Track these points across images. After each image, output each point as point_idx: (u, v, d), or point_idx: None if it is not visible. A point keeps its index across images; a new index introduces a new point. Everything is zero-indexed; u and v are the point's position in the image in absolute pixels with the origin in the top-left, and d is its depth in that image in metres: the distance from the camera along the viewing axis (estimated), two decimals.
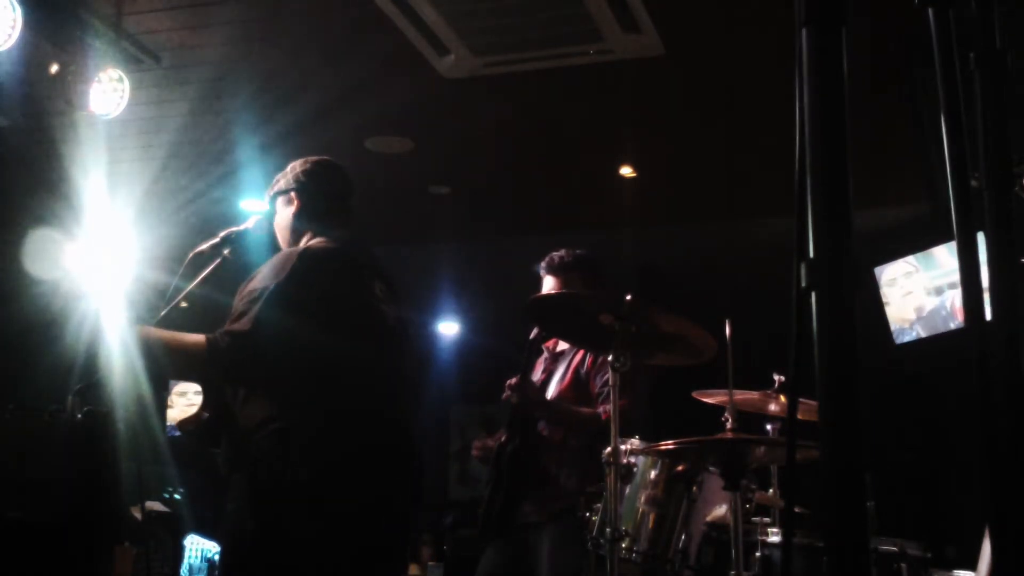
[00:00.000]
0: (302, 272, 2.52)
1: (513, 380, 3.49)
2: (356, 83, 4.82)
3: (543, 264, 3.68)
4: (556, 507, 3.41)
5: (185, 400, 7.54)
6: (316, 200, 2.80)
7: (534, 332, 3.62)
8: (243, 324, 2.44)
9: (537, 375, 3.71)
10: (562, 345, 3.72)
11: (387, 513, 2.57)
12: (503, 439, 3.59)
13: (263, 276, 2.55)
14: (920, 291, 5.61)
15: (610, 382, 2.88)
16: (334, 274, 2.61)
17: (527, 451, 3.52)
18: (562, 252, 3.67)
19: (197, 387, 2.72)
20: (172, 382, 7.36)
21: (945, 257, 5.49)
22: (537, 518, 3.46)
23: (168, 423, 7.13)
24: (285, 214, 2.83)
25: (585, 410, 3.48)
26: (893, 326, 5.71)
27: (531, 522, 3.46)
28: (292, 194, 2.81)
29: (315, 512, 2.39)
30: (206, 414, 2.60)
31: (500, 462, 3.55)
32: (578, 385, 3.56)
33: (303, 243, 2.74)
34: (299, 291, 2.50)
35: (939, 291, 5.53)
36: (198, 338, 2.49)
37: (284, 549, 2.40)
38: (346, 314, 2.58)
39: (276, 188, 2.87)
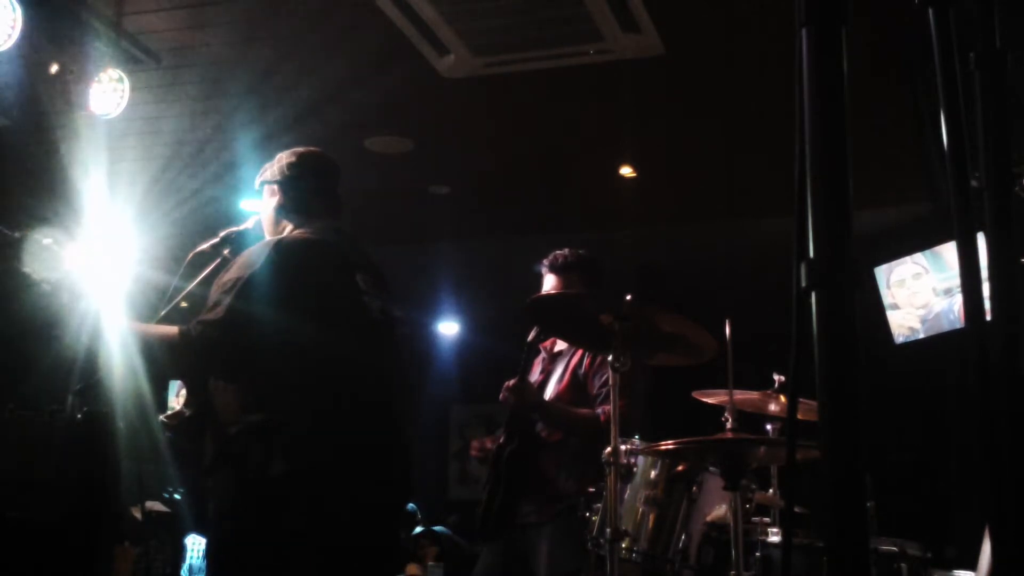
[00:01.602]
0: (276, 262, 2.52)
1: (511, 382, 3.49)
2: (356, 83, 4.82)
3: (546, 262, 3.68)
4: (555, 508, 3.41)
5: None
6: (299, 193, 2.79)
7: (532, 334, 3.62)
8: (215, 313, 2.46)
9: (535, 375, 3.71)
10: (560, 345, 3.71)
11: (374, 510, 2.55)
12: (501, 440, 3.58)
13: (238, 266, 2.55)
14: (928, 292, 5.58)
15: (609, 382, 2.88)
16: (309, 264, 2.59)
17: (526, 452, 3.51)
18: (565, 251, 3.67)
19: None
20: (174, 383, 7.34)
21: (955, 257, 5.37)
22: (536, 519, 3.45)
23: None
24: (268, 205, 2.83)
25: (583, 411, 3.48)
26: (898, 328, 5.69)
27: (530, 523, 3.46)
28: (275, 187, 2.81)
29: (296, 508, 2.37)
30: (187, 411, 2.60)
31: (499, 463, 3.55)
32: (576, 386, 3.56)
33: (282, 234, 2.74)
34: (273, 281, 2.49)
35: (948, 292, 5.48)
36: (171, 329, 2.50)
37: (266, 546, 2.38)
38: (322, 303, 2.56)
39: (263, 177, 2.87)
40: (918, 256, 5.64)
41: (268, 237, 2.80)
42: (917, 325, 5.63)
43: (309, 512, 2.38)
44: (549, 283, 3.64)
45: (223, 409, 2.49)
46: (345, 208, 2.90)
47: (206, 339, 2.44)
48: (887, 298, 5.73)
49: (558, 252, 3.68)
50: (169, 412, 2.70)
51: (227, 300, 2.46)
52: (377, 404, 2.61)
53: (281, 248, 2.57)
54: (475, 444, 3.77)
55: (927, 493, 6.56)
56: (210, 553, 2.63)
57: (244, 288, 2.47)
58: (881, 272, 5.76)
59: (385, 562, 2.69)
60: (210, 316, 2.46)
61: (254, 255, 2.56)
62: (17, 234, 2.60)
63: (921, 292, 5.61)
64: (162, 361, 2.62)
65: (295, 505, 2.38)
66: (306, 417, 2.45)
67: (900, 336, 5.68)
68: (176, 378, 2.66)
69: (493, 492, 3.53)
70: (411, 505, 6.52)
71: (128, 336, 2.51)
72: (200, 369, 2.57)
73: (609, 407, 2.95)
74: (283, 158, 2.85)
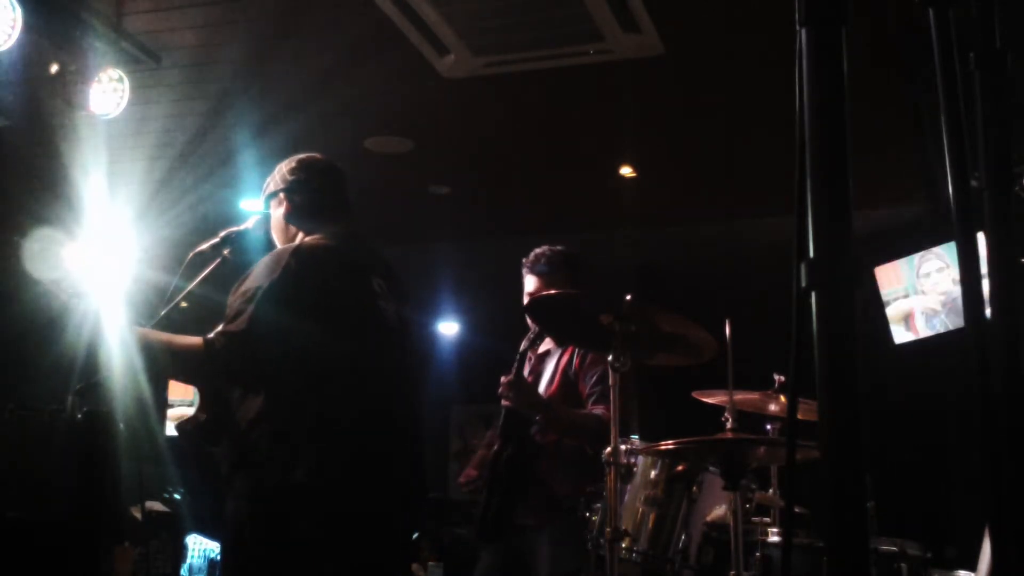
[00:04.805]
0: (295, 269, 2.52)
1: (508, 378, 3.41)
2: (356, 83, 4.82)
3: (525, 263, 3.57)
4: (553, 512, 3.38)
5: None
6: (305, 198, 2.79)
7: (526, 341, 3.55)
8: (238, 324, 2.45)
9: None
10: (546, 344, 3.65)
11: (387, 515, 2.57)
12: (496, 446, 3.55)
13: (256, 275, 2.54)
14: (948, 282, 5.91)
15: (603, 380, 2.88)
16: (328, 270, 2.60)
17: (521, 457, 3.47)
18: (544, 250, 3.55)
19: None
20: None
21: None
22: (535, 522, 3.43)
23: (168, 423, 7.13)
24: (277, 216, 2.83)
25: (584, 412, 3.44)
26: (920, 316, 5.94)
27: (528, 525, 3.44)
28: (281, 195, 2.81)
29: (311, 513, 2.39)
30: (203, 415, 2.60)
31: (495, 468, 3.52)
32: (567, 386, 3.49)
33: (296, 241, 2.74)
34: (293, 289, 2.50)
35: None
36: (195, 340, 2.50)
37: (280, 549, 2.40)
38: (341, 311, 2.57)
39: (267, 192, 2.87)
40: (939, 250, 5.97)
41: (281, 245, 2.80)
42: (938, 307, 6.03)
43: (326, 517, 2.40)
44: (530, 284, 3.54)
45: (242, 416, 2.50)
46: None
47: (230, 351, 2.45)
48: (916, 285, 6.07)
49: (537, 251, 3.56)
50: (184, 417, 2.70)
51: (249, 310, 2.46)
52: (391, 411, 2.63)
53: (300, 255, 2.57)
54: (461, 480, 3.71)
55: (927, 493, 6.55)
56: (225, 552, 2.65)
57: (265, 297, 2.47)
58: (913, 260, 6.08)
59: (395, 566, 2.72)
60: (232, 328, 2.46)
61: (273, 262, 2.56)
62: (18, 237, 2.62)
63: (942, 282, 6.00)
64: (187, 372, 2.67)
65: (313, 510, 2.39)
66: (321, 423, 2.47)
67: (924, 327, 6.00)
68: (200, 386, 2.68)
69: (490, 495, 3.50)
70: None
71: (149, 347, 2.53)
72: (224, 379, 2.58)
73: (601, 407, 2.93)
74: (283, 167, 2.85)
